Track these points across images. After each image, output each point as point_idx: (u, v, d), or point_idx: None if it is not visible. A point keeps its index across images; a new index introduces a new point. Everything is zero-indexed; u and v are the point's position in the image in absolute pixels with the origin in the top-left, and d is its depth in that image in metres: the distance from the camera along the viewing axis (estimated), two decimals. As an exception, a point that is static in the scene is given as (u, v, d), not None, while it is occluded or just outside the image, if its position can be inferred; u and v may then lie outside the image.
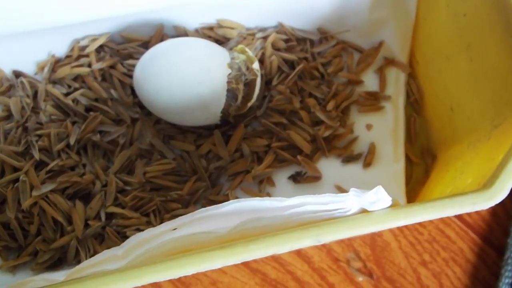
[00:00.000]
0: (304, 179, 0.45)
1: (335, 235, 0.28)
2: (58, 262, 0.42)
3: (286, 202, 0.31)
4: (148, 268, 0.28)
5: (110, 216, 0.43)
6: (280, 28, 0.49)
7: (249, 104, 0.45)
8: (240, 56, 0.44)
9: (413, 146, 0.47)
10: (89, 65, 0.47)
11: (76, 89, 0.46)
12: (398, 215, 0.29)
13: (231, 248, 0.28)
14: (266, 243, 0.28)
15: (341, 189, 0.45)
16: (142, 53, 0.46)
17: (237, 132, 0.45)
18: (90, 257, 0.37)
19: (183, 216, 0.31)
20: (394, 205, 0.31)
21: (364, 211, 0.31)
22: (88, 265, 0.32)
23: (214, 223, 0.31)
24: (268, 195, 0.45)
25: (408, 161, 0.46)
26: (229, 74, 0.43)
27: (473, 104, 0.41)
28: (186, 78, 0.43)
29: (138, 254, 0.31)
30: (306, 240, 0.28)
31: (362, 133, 0.47)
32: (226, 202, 0.31)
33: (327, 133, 0.45)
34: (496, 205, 0.29)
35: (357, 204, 0.30)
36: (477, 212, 0.45)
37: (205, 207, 0.32)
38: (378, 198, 0.30)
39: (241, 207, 0.31)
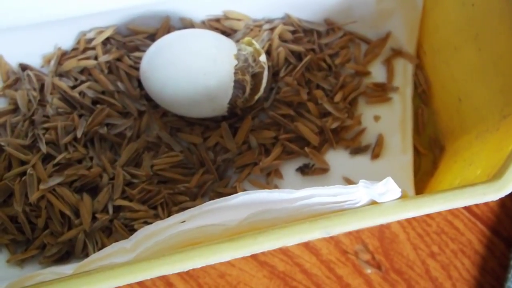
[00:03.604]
0: (312, 171, 0.45)
1: (345, 227, 0.28)
2: (66, 255, 0.42)
3: (295, 194, 0.30)
4: (157, 260, 0.28)
5: (117, 209, 0.43)
6: (287, 20, 0.49)
7: (256, 97, 0.44)
8: (247, 48, 0.44)
9: (421, 137, 0.47)
10: (96, 58, 0.47)
11: (82, 82, 0.46)
12: (408, 207, 0.29)
13: (240, 240, 0.28)
14: (275, 235, 0.28)
15: (349, 181, 0.45)
16: (148, 46, 0.46)
17: (245, 124, 0.45)
18: (98, 250, 0.38)
19: (191, 209, 0.31)
20: (403, 197, 0.31)
21: (373, 202, 0.30)
22: (96, 258, 0.32)
23: (223, 216, 0.31)
24: (276, 187, 0.45)
25: (416, 152, 0.46)
26: (236, 65, 0.43)
27: (481, 94, 0.40)
28: (193, 69, 0.43)
29: (146, 247, 0.31)
30: (315, 232, 0.28)
31: (370, 125, 0.47)
32: (235, 194, 0.31)
33: (334, 125, 0.45)
34: (505, 196, 0.29)
35: (367, 196, 0.30)
36: (485, 204, 0.45)
37: (212, 199, 0.32)
38: (388, 189, 0.30)
39: (250, 199, 0.31)
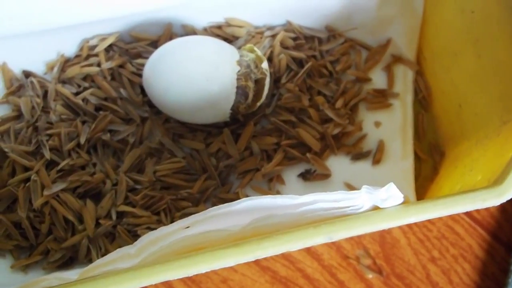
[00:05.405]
0: (314, 176, 0.45)
1: (348, 232, 0.29)
2: (70, 261, 0.42)
3: (298, 199, 0.31)
4: (161, 266, 0.28)
5: (121, 215, 0.43)
6: (288, 26, 0.49)
7: (258, 103, 0.45)
8: (249, 55, 0.45)
9: (422, 143, 0.47)
10: (99, 65, 0.47)
11: (85, 89, 0.47)
12: (410, 212, 0.29)
13: (244, 246, 0.28)
14: (279, 241, 0.28)
15: (350, 187, 0.45)
16: (151, 52, 0.46)
17: (246, 130, 0.45)
18: (102, 256, 0.38)
19: (195, 214, 0.32)
20: (405, 202, 0.31)
21: (376, 208, 0.31)
22: (101, 264, 0.32)
23: (227, 221, 0.31)
24: (278, 193, 0.45)
25: (417, 158, 0.46)
26: (238, 71, 0.43)
27: (481, 100, 0.41)
28: (195, 75, 0.43)
29: (151, 252, 0.31)
30: (318, 238, 0.28)
31: (370, 131, 0.47)
32: (239, 200, 0.31)
33: (336, 131, 0.45)
34: (506, 201, 0.29)
35: (369, 201, 0.30)
36: (486, 209, 0.45)
37: (215, 205, 0.32)
38: (390, 195, 0.30)
39: (253, 205, 0.31)
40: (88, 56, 0.48)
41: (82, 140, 0.44)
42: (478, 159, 0.38)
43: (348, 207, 0.30)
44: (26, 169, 0.43)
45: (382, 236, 0.44)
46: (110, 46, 0.48)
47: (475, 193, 0.29)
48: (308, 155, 0.45)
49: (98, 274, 0.31)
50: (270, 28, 0.49)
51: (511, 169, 0.30)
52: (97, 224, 0.42)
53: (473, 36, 0.41)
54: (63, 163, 0.43)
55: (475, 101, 0.42)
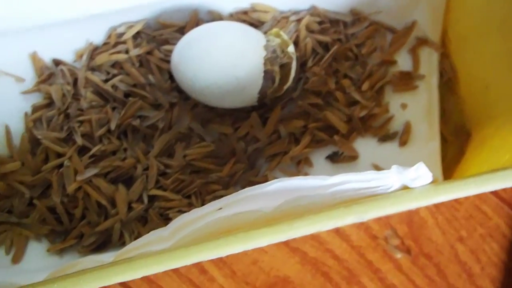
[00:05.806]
0: (342, 159, 0.45)
1: (378, 211, 0.29)
2: (103, 244, 0.43)
3: (329, 180, 0.31)
4: (196, 247, 0.28)
5: (152, 198, 0.44)
6: (313, 11, 0.49)
7: (285, 87, 0.45)
8: (275, 39, 0.45)
9: (448, 125, 0.47)
10: (127, 52, 0.48)
11: (114, 76, 0.47)
12: (440, 191, 0.29)
13: (276, 226, 0.28)
14: (311, 221, 0.28)
15: (378, 168, 0.45)
16: (178, 39, 0.46)
17: (274, 114, 0.46)
18: (134, 239, 0.38)
19: (227, 196, 0.32)
20: (433, 182, 0.31)
21: (405, 187, 0.31)
22: (135, 247, 0.33)
23: (258, 203, 0.31)
24: (306, 175, 0.45)
25: (443, 139, 0.46)
26: (265, 56, 0.44)
27: (508, 81, 0.41)
28: (223, 61, 0.44)
29: (184, 234, 0.32)
30: (349, 217, 0.29)
31: (397, 113, 0.47)
32: (270, 181, 0.31)
33: (362, 113, 0.46)
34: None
35: (399, 181, 0.31)
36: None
37: (244, 188, 0.32)
38: (420, 174, 0.31)
39: (284, 186, 0.31)
40: (116, 44, 0.48)
41: (113, 126, 0.45)
42: (505, 139, 0.39)
43: (378, 187, 0.31)
44: (59, 155, 0.44)
45: (410, 217, 0.44)
46: (138, 33, 0.49)
47: (505, 172, 0.29)
48: (335, 137, 0.45)
49: (133, 256, 0.32)
50: (295, 12, 0.50)
51: (539, 148, 0.30)
52: (129, 208, 0.43)
53: (499, 18, 0.41)
54: (94, 149, 0.44)
55: (501, 82, 0.42)
